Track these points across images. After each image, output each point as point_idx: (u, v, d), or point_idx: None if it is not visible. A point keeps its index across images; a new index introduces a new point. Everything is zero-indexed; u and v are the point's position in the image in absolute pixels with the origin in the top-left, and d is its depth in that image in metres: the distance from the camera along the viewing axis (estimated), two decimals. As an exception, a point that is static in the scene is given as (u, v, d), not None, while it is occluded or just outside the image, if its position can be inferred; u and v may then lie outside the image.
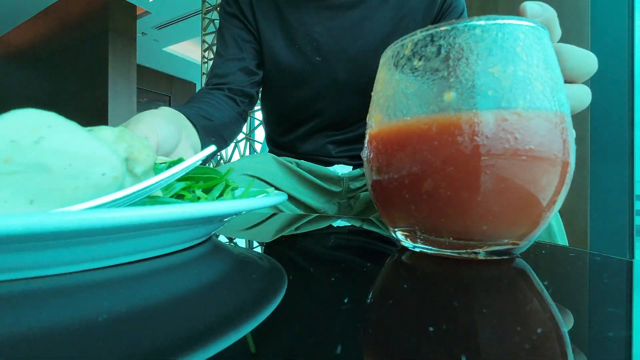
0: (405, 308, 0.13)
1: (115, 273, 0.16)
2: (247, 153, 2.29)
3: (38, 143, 0.14)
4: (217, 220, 0.21)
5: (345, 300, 0.14)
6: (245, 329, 0.11)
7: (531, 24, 0.18)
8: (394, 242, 0.25)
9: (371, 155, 0.22)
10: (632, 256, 1.21)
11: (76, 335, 0.10)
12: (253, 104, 0.69)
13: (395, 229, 0.22)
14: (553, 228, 0.38)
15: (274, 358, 0.10)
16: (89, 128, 0.18)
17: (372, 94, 0.23)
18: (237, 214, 0.21)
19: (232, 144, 2.25)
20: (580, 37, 1.18)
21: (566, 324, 0.12)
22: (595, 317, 0.13)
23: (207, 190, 0.25)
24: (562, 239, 0.39)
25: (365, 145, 0.23)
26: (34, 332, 0.11)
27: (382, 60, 0.22)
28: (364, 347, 0.10)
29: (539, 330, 0.11)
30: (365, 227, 0.34)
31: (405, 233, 0.21)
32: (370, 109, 0.23)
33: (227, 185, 0.26)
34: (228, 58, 0.66)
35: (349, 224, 0.35)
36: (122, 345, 0.10)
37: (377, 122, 0.21)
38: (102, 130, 0.18)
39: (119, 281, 0.16)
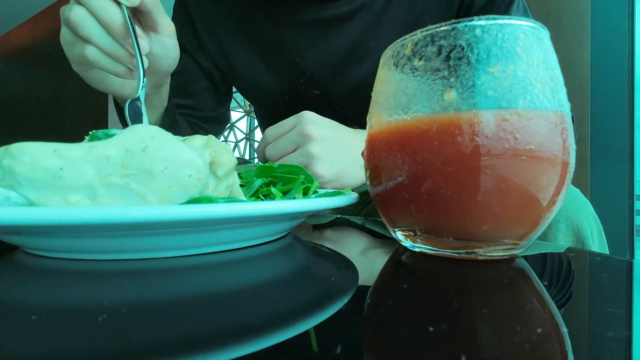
0: (405, 308, 0.13)
1: (208, 259, 0.19)
2: (247, 153, 2.29)
3: (144, 151, 0.18)
4: (294, 217, 0.23)
5: (346, 300, 0.14)
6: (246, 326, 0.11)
7: (531, 24, 0.18)
8: (394, 242, 0.25)
9: (371, 155, 0.22)
10: (632, 256, 1.21)
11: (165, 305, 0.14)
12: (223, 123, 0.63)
13: (395, 229, 0.22)
14: (587, 237, 0.37)
15: (273, 357, 0.10)
16: (184, 138, 0.21)
17: (372, 93, 0.23)
18: (314, 212, 0.23)
19: (232, 144, 2.24)
20: (580, 37, 1.18)
21: (566, 324, 0.12)
22: (595, 317, 0.13)
23: (286, 192, 0.28)
24: (601, 247, 0.38)
25: (365, 145, 0.23)
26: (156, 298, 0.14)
27: (382, 60, 0.22)
28: (364, 347, 0.10)
29: (539, 330, 0.11)
30: (368, 225, 0.34)
31: (405, 233, 0.21)
32: (370, 109, 0.23)
33: (307, 186, 0.28)
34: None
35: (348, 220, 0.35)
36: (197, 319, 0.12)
37: (377, 122, 0.21)
38: (194, 139, 0.21)
39: (209, 266, 0.19)
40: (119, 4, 0.32)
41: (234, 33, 0.53)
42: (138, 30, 0.34)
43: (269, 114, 0.61)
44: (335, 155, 0.38)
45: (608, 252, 0.39)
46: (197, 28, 0.55)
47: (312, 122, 0.38)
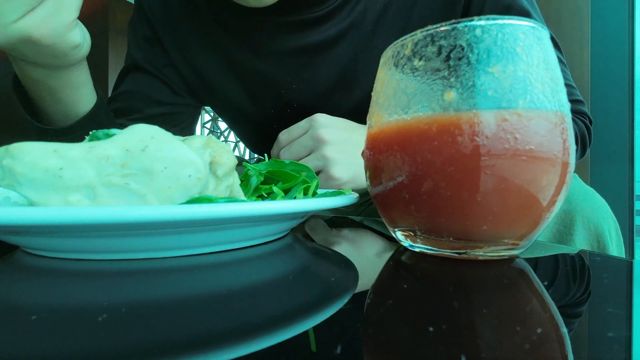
0: (405, 308, 0.13)
1: (208, 259, 0.19)
2: (247, 153, 2.29)
3: (144, 151, 0.18)
4: (294, 217, 0.23)
5: (346, 300, 0.14)
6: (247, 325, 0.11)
7: (531, 24, 0.18)
8: (394, 242, 0.25)
9: (371, 155, 0.22)
10: (632, 256, 1.21)
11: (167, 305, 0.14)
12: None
13: (395, 229, 0.22)
14: (606, 238, 0.37)
15: (273, 357, 0.10)
16: (184, 138, 0.21)
17: (372, 93, 0.23)
18: (314, 212, 0.24)
19: (232, 144, 2.24)
20: (580, 37, 1.18)
21: (566, 324, 0.12)
22: (595, 317, 0.13)
23: (287, 190, 0.28)
24: (619, 247, 0.38)
25: (365, 145, 0.23)
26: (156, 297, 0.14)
27: (382, 60, 0.22)
28: (364, 347, 0.10)
29: (539, 331, 0.11)
30: (366, 223, 0.34)
31: (405, 233, 0.21)
32: (370, 109, 0.23)
33: (307, 185, 0.28)
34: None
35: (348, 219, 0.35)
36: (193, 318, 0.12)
37: (377, 122, 0.21)
38: (193, 139, 0.21)
39: (209, 266, 0.19)
40: None
41: (213, 64, 0.48)
42: None
43: (256, 141, 0.58)
44: (350, 157, 0.38)
45: (624, 253, 0.39)
46: (171, 56, 0.50)
47: (324, 125, 0.38)
